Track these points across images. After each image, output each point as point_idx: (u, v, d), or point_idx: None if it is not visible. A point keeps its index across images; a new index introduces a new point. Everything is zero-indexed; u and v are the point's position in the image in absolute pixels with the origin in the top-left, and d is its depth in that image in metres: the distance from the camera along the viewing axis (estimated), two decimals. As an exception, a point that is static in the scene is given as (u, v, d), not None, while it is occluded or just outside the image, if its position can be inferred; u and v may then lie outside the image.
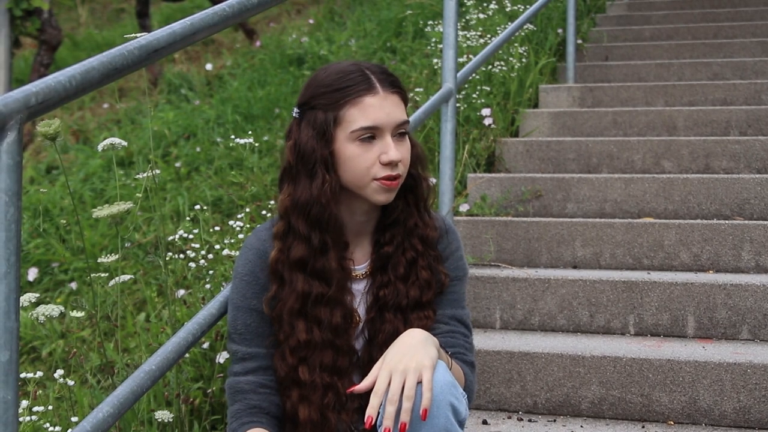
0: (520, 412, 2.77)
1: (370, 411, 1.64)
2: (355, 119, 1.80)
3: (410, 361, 1.66)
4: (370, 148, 1.81)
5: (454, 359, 1.88)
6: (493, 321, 3.21)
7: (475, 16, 5.66)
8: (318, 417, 1.84)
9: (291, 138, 1.87)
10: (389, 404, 1.63)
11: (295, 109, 1.89)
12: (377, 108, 1.80)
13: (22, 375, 2.50)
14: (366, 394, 1.89)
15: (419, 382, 1.65)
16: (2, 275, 1.35)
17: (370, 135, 1.81)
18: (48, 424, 2.40)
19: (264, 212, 3.38)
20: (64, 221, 4.89)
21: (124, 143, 2.32)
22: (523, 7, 5.81)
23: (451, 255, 1.97)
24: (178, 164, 5.64)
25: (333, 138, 1.82)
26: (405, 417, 1.62)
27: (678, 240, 3.39)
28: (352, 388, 1.70)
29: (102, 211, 2.22)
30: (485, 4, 5.93)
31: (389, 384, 1.65)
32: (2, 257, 1.35)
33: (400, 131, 1.84)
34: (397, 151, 1.81)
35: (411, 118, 3.15)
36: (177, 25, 1.76)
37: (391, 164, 1.81)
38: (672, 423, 2.64)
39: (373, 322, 1.91)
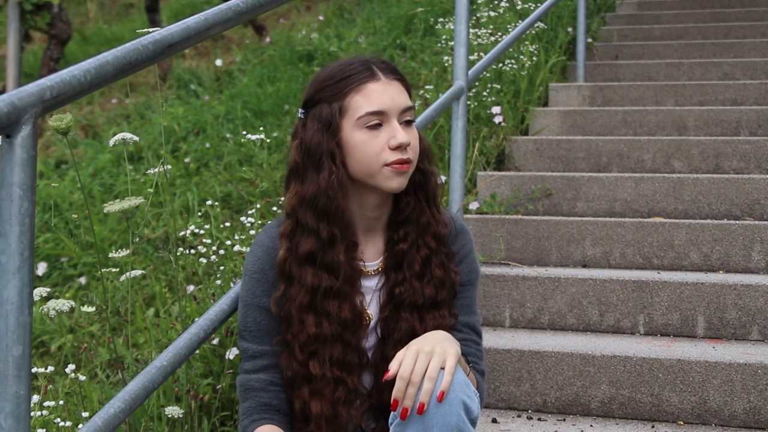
0: (530, 411, 2.77)
1: (396, 394, 1.65)
2: (361, 106, 1.81)
3: (436, 346, 1.67)
4: (377, 134, 1.81)
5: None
6: (503, 319, 3.21)
7: (486, 13, 5.65)
8: (330, 411, 1.83)
9: (297, 137, 1.88)
10: (411, 386, 1.64)
11: (300, 110, 1.89)
12: (381, 93, 1.82)
13: (33, 370, 2.50)
14: (377, 394, 1.90)
15: (442, 368, 1.65)
16: (16, 270, 1.34)
17: (376, 121, 1.81)
18: (58, 419, 2.40)
19: (274, 208, 3.38)
20: (75, 216, 4.89)
21: (136, 138, 2.32)
22: (533, 5, 5.80)
23: (465, 257, 1.96)
24: (187, 160, 5.64)
25: (339, 128, 1.82)
26: (425, 398, 1.63)
27: (688, 240, 3.38)
28: (386, 375, 1.69)
29: (113, 206, 2.22)
30: (496, 2, 5.91)
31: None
32: (16, 252, 1.34)
33: (406, 118, 1.84)
34: (405, 134, 1.82)
35: (421, 116, 3.15)
36: (191, 20, 1.76)
37: (401, 147, 1.81)
38: (682, 423, 2.64)
39: (387, 320, 1.90)
